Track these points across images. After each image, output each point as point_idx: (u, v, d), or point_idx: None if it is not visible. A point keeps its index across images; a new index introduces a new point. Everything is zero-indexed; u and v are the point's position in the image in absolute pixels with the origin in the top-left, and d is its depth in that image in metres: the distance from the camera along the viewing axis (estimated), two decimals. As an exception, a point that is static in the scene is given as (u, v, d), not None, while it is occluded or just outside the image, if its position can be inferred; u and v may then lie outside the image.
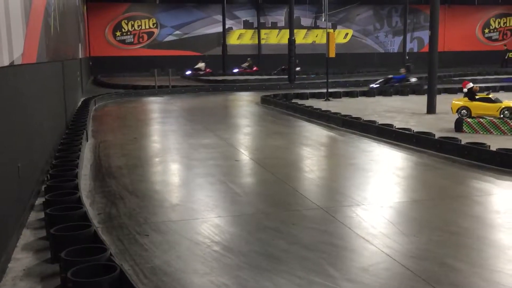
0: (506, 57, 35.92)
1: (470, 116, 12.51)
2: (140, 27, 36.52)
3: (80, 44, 21.24)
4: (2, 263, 4.42)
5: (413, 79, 21.56)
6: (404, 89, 21.10)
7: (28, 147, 6.22)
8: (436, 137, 9.82)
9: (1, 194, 4.62)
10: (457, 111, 13.06)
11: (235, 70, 33.70)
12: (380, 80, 21.86)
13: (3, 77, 4.88)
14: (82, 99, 17.78)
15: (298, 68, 29.64)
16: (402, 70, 22.47)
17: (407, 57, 38.10)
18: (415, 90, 20.85)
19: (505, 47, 37.44)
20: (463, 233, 5.47)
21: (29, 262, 4.64)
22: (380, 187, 7.46)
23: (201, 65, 32.90)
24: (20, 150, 5.63)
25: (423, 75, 21.18)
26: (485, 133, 11.25)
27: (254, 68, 34.30)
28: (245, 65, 34.60)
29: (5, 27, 4.90)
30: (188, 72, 31.79)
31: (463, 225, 5.75)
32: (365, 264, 4.65)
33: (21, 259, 4.71)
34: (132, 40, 36.37)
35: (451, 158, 8.97)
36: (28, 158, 6.14)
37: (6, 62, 4.93)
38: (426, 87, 16.47)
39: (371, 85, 21.48)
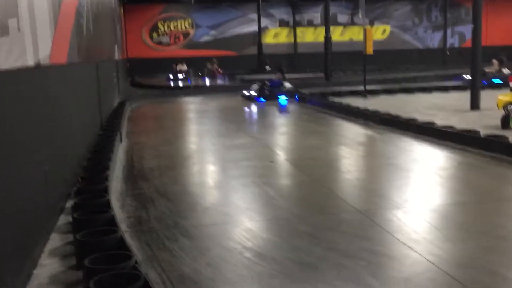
0: None
1: (517, 112, 11.87)
2: (176, 27, 36.66)
3: (116, 46, 21.36)
4: (28, 269, 4.29)
5: (288, 85, 19.08)
6: (446, 86, 20.40)
7: (58, 150, 6.11)
8: (481, 135, 9.31)
9: (26, 198, 4.49)
10: (503, 107, 12.43)
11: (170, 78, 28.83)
12: (256, 87, 18.79)
13: (27, 78, 4.76)
14: (118, 100, 17.85)
15: (267, 67, 29.23)
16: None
17: (448, 53, 37.05)
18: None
19: None
20: (514, 239, 5.05)
21: (55, 269, 4.50)
22: (422, 189, 7.07)
23: (181, 67, 29.87)
24: (48, 153, 5.51)
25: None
26: (533, 130, 10.64)
27: (217, 71, 29.14)
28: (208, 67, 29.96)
29: (29, 26, 4.77)
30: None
31: (514, 229, 5.33)
32: (407, 273, 4.31)
33: (47, 265, 4.57)
34: (169, 41, 36.54)
35: (498, 157, 8.47)
36: (58, 160, 6.02)
37: (30, 62, 4.81)
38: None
39: (244, 92, 19.01)
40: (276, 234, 5.34)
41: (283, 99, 17.79)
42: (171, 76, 28.90)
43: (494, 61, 21.30)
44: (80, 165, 7.42)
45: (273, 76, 19.96)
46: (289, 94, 18.34)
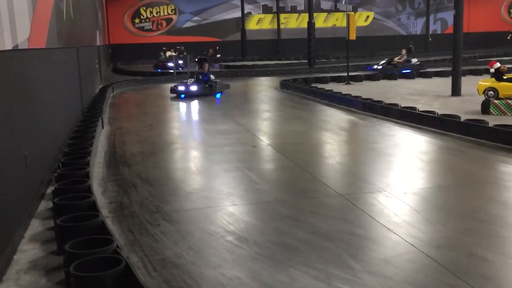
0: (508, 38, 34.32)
1: (497, 98, 12.03)
2: (158, 13, 36.32)
3: (98, 32, 21.09)
4: (7, 254, 4.25)
5: (213, 77, 16.79)
6: (427, 72, 20.56)
7: (37, 135, 6.04)
8: (461, 120, 9.40)
9: (5, 183, 4.43)
10: (483, 93, 12.58)
11: None
12: (191, 80, 16.31)
13: (5, 61, 4.68)
14: (100, 86, 17.67)
15: (218, 55, 28.39)
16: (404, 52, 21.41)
17: (430, 39, 37.22)
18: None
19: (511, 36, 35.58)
20: (492, 221, 5.12)
21: (35, 254, 4.46)
22: (403, 173, 7.13)
23: (169, 54, 28.46)
24: (27, 138, 5.44)
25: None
26: (513, 115, 10.78)
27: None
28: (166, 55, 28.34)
29: (6, 7, 4.68)
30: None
31: (493, 212, 5.40)
32: (387, 255, 4.36)
33: (27, 251, 4.53)
34: (151, 27, 36.20)
35: (478, 141, 8.58)
36: (37, 146, 5.95)
37: (8, 46, 4.72)
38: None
39: (176, 86, 16.27)
40: (258, 218, 5.36)
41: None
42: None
43: (403, 50, 21.40)
44: (61, 151, 7.35)
45: (198, 69, 16.65)
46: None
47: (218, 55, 28.87)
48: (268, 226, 5.12)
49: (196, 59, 17.59)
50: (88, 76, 13.84)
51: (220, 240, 4.73)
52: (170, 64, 25.53)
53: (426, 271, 4.04)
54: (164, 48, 29.54)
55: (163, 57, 28.38)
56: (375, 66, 20.92)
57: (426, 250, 4.39)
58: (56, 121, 7.57)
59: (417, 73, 20.44)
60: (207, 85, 16.12)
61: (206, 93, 15.88)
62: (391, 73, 20.15)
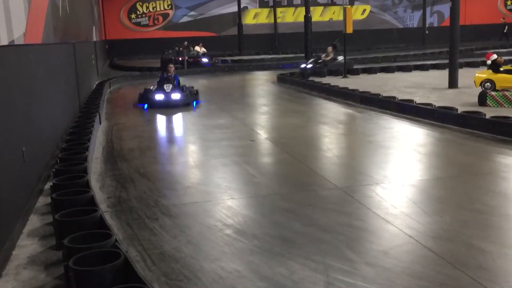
0: (504, 31, 34.23)
1: (494, 89, 12.04)
2: (155, 8, 36.16)
3: (94, 27, 21.03)
4: (6, 250, 4.25)
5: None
6: (423, 64, 20.48)
7: (35, 131, 6.04)
8: (458, 112, 9.42)
9: (2, 179, 4.43)
10: (480, 84, 12.59)
11: None
12: (168, 86, 12.95)
13: (1, 57, 4.66)
14: (97, 82, 17.63)
15: (204, 52, 25.72)
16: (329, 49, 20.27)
17: (427, 32, 37.17)
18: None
19: (503, 20, 35.40)
20: (490, 212, 5.14)
21: (34, 249, 4.47)
22: (401, 165, 7.14)
23: (198, 49, 26.50)
24: (24, 134, 5.44)
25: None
26: (510, 106, 10.79)
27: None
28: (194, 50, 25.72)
29: (2, 3, 4.66)
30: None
31: (490, 203, 5.42)
32: (385, 246, 4.38)
33: (26, 246, 4.54)
34: (147, 22, 36.05)
35: (475, 133, 8.59)
36: (35, 141, 5.95)
37: (4, 41, 4.71)
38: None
39: (150, 93, 12.82)
40: (256, 211, 5.37)
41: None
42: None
43: (329, 48, 20.69)
44: (58, 147, 7.34)
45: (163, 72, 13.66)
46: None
47: (203, 50, 26.70)
48: (267, 219, 5.13)
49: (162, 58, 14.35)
50: (85, 71, 13.81)
51: (219, 233, 4.74)
52: (205, 60, 24.47)
53: (424, 262, 4.07)
54: (186, 42, 28.08)
55: (192, 52, 25.88)
56: (303, 65, 19.69)
57: (424, 241, 4.41)
58: (53, 117, 7.56)
59: (347, 70, 19.28)
60: (189, 91, 13.32)
61: (188, 102, 12.99)
62: (320, 71, 19.16)
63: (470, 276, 3.76)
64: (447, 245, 4.36)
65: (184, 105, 12.73)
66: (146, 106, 12.63)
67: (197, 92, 13.57)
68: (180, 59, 23.69)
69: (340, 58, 20.11)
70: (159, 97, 12.60)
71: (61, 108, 8.45)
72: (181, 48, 25.07)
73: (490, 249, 4.23)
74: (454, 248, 4.28)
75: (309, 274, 3.88)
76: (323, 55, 20.57)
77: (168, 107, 12.41)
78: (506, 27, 33.19)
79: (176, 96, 12.73)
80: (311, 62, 19.97)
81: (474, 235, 4.55)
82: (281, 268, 3.98)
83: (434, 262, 4.04)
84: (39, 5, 7.06)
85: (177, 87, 13.05)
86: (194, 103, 13.11)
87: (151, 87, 13.14)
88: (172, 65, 13.61)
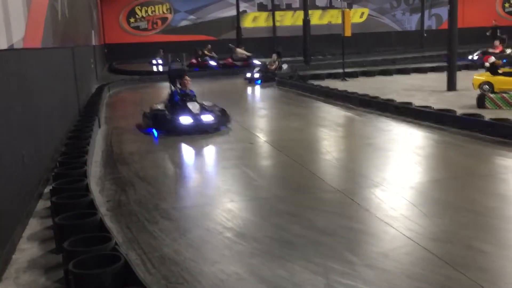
0: (497, 34, 33.94)
1: (492, 92, 12.06)
2: (154, 12, 36.21)
3: (93, 31, 21.06)
4: (6, 254, 4.25)
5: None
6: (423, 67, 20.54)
7: (34, 135, 6.04)
8: (457, 114, 9.43)
9: (2, 182, 4.44)
10: (479, 87, 12.62)
11: None
12: (195, 106, 10.13)
13: (1, 61, 4.68)
14: (96, 86, 17.64)
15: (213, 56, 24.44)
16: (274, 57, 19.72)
17: (425, 35, 37.23)
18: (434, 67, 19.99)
19: (495, 23, 35.12)
20: (489, 213, 5.15)
21: (34, 253, 4.47)
22: (400, 167, 7.15)
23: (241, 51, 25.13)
24: (24, 138, 5.45)
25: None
26: (508, 108, 10.81)
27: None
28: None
29: (1, 7, 4.68)
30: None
31: (489, 204, 5.43)
32: (385, 248, 4.38)
33: (26, 250, 4.54)
34: (146, 26, 36.09)
35: (474, 135, 8.61)
36: (34, 145, 5.96)
37: (3, 46, 4.72)
38: None
39: (174, 117, 9.69)
40: (256, 214, 5.38)
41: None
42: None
43: (274, 56, 20.26)
44: (58, 150, 7.35)
45: (175, 87, 10.84)
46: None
47: (213, 54, 26.36)
48: (266, 222, 5.13)
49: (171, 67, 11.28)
50: (84, 75, 13.82)
51: (219, 236, 4.75)
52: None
53: (424, 263, 4.07)
54: (162, 50, 27.65)
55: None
56: (248, 74, 19.18)
57: (424, 243, 4.42)
58: (53, 121, 7.57)
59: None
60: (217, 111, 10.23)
61: (221, 125, 10.03)
62: (268, 80, 18.64)
63: (470, 278, 3.77)
64: (447, 246, 4.36)
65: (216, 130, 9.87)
66: (155, 132, 9.81)
67: (224, 112, 10.31)
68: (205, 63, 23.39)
69: (285, 66, 19.69)
70: (186, 120, 9.63)
71: (60, 112, 8.46)
72: (205, 51, 24.82)
73: (489, 251, 4.24)
74: (454, 250, 4.29)
75: (309, 277, 3.88)
76: (268, 64, 20.17)
77: (195, 133, 9.52)
78: (498, 30, 33.09)
79: (207, 118, 9.80)
80: (258, 71, 19.35)
81: (474, 236, 4.56)
82: (281, 271, 3.99)
83: (434, 263, 4.04)
84: (38, 9, 7.08)
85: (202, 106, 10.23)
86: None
87: (159, 106, 10.50)
88: (188, 78, 10.79)
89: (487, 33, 30.28)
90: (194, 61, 24.71)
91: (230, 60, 24.50)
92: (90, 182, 5.75)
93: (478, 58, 21.16)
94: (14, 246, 4.53)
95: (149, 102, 15.28)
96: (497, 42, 21.64)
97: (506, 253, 4.19)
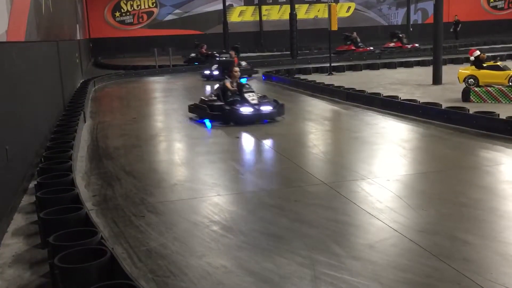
0: (458, 28, 33.93)
1: (477, 85, 12.16)
2: (139, 6, 35.96)
3: (78, 26, 20.87)
4: (-10, 249, 4.21)
5: None
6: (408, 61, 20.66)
7: (18, 129, 5.98)
8: (443, 107, 9.50)
9: (-14, 177, 4.39)
10: (464, 80, 12.72)
11: None
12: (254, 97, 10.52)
13: (-17, 55, 4.62)
14: (81, 81, 17.50)
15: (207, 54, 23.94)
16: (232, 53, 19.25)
17: (411, 29, 37.41)
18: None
19: (456, 18, 35.14)
20: (473, 205, 5.20)
21: (19, 248, 4.43)
22: (386, 160, 7.20)
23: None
24: (8, 133, 5.39)
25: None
26: (493, 102, 10.91)
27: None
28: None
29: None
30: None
31: (473, 196, 5.49)
32: (371, 240, 4.41)
33: (11, 245, 4.50)
34: (132, 21, 35.84)
35: (459, 128, 8.68)
36: (19, 140, 5.89)
37: (-14, 39, 4.66)
38: None
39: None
40: (243, 208, 5.38)
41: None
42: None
43: (232, 52, 19.63)
44: (42, 145, 7.28)
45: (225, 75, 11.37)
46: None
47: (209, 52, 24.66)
48: (253, 215, 5.14)
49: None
50: (69, 70, 13.70)
51: (205, 230, 4.74)
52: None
53: (410, 255, 4.11)
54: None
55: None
56: (207, 72, 18.61)
57: (409, 234, 4.45)
58: (37, 115, 7.50)
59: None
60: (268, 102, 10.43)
61: (279, 115, 10.36)
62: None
63: (455, 268, 3.80)
64: (432, 238, 4.40)
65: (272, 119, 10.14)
66: (208, 121, 10.11)
67: (277, 103, 10.46)
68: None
69: (244, 64, 19.22)
70: (246, 110, 9.91)
71: (45, 107, 8.37)
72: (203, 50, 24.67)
73: (474, 242, 4.28)
74: (439, 241, 4.33)
75: (296, 269, 3.89)
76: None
77: (253, 123, 9.81)
78: (460, 25, 33.19)
79: (266, 108, 10.12)
80: (216, 69, 18.46)
81: (458, 228, 4.60)
82: (268, 263, 3.99)
83: (419, 255, 4.08)
84: (21, 3, 6.99)
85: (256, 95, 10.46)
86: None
87: (210, 97, 10.66)
88: (237, 68, 11.11)
89: (451, 30, 30.42)
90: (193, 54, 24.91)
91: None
92: (75, 177, 5.71)
93: None
94: (-2, 241, 4.49)
95: (135, 96, 15.24)
96: None
97: (489, 244, 4.24)
